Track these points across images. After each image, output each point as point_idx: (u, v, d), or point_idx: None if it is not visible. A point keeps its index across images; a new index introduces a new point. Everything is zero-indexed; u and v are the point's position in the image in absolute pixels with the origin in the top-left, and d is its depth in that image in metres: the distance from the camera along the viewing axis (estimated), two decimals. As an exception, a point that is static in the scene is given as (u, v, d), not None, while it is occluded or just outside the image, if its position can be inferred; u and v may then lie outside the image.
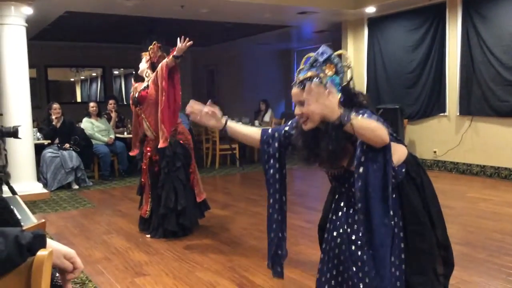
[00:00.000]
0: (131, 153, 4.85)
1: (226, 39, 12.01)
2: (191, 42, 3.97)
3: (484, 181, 6.75)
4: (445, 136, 7.51)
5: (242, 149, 9.37)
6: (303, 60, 1.97)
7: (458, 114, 7.30)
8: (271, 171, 2.12)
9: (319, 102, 1.70)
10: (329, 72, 1.85)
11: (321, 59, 1.88)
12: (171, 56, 4.07)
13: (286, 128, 2.15)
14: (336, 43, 9.60)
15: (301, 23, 9.13)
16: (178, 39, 4.01)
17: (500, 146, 6.76)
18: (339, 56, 1.90)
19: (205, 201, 4.63)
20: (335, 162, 1.97)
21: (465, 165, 7.27)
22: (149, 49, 4.41)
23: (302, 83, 1.87)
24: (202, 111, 2.11)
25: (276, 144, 2.13)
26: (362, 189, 1.83)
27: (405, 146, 2.13)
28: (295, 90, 1.91)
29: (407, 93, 7.93)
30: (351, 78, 1.92)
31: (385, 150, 1.80)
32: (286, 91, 14.03)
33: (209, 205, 4.69)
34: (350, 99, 1.89)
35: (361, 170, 1.82)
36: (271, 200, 2.15)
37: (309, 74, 1.88)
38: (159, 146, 4.18)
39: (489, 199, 5.60)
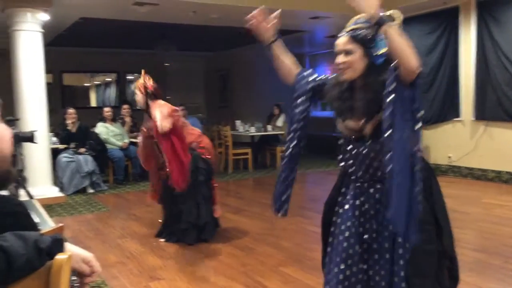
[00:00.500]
0: (151, 198, 4.59)
1: (238, 44, 12.06)
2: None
3: (500, 187, 6.67)
4: (459, 141, 7.44)
5: (254, 154, 9.38)
6: (353, 20, 2.05)
7: (472, 119, 7.24)
8: (300, 108, 2.17)
9: None
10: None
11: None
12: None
13: (322, 77, 2.22)
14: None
15: (313, 28, 9.13)
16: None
17: (516, 151, 6.68)
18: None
19: (217, 218, 4.62)
20: (368, 113, 1.98)
21: (480, 171, 7.19)
22: (141, 79, 4.30)
23: (351, 32, 1.97)
24: (262, 22, 2.17)
25: (310, 86, 2.18)
26: (391, 116, 1.83)
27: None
28: (341, 39, 2.01)
29: (421, 97, 7.87)
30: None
31: (415, 86, 1.84)
32: (298, 95, 14.01)
33: (219, 223, 4.68)
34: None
35: (391, 97, 1.83)
36: (290, 135, 2.20)
37: (358, 26, 1.98)
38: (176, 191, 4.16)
39: (505, 205, 5.53)
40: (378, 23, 1.78)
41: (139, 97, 4.27)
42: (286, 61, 2.25)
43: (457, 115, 7.47)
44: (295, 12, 7.57)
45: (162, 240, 4.42)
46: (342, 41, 2.01)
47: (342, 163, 2.20)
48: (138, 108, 4.58)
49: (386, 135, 1.85)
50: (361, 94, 1.99)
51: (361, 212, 2.09)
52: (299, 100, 2.18)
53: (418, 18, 7.88)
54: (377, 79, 1.92)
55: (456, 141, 7.50)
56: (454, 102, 7.48)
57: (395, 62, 1.82)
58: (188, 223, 4.25)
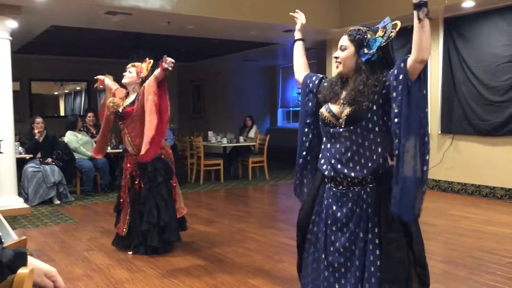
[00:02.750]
0: (92, 154, 5.01)
1: (212, 55, 12.08)
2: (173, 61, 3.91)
3: (465, 199, 6.83)
4: (427, 154, 7.59)
5: (227, 165, 9.36)
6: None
7: (439, 132, 7.42)
8: (310, 104, 2.38)
9: None
10: (380, 33, 2.14)
11: (380, 26, 2.18)
12: (160, 69, 3.92)
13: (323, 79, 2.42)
14: (321, 61, 9.72)
15: (286, 41, 9.24)
16: (165, 57, 3.91)
17: (480, 165, 6.87)
18: (394, 25, 2.13)
19: (184, 217, 4.60)
20: (352, 103, 2.11)
21: (446, 183, 7.36)
22: (144, 65, 4.27)
23: (350, 32, 2.20)
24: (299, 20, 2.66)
25: (315, 83, 2.39)
26: (399, 105, 2.00)
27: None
28: (343, 36, 2.21)
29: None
30: (390, 38, 2.13)
31: (420, 80, 2.01)
32: (271, 107, 14.12)
33: (186, 225, 4.67)
34: (385, 55, 2.16)
35: (400, 87, 1.99)
36: (305, 129, 2.39)
37: (357, 27, 2.20)
38: (140, 160, 4.09)
39: (470, 217, 5.67)
40: (419, 5, 1.89)
41: (134, 77, 4.26)
42: (303, 59, 2.59)
43: (425, 129, 7.63)
44: (268, 25, 7.64)
45: (130, 252, 4.35)
46: (341, 38, 2.22)
47: (319, 165, 2.25)
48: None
49: (394, 125, 2.06)
50: (351, 85, 2.14)
51: (334, 221, 2.16)
52: (310, 96, 2.37)
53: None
54: (370, 76, 2.10)
55: (424, 154, 7.65)
56: (422, 116, 7.65)
57: (404, 58, 1.99)
58: (149, 224, 4.21)
